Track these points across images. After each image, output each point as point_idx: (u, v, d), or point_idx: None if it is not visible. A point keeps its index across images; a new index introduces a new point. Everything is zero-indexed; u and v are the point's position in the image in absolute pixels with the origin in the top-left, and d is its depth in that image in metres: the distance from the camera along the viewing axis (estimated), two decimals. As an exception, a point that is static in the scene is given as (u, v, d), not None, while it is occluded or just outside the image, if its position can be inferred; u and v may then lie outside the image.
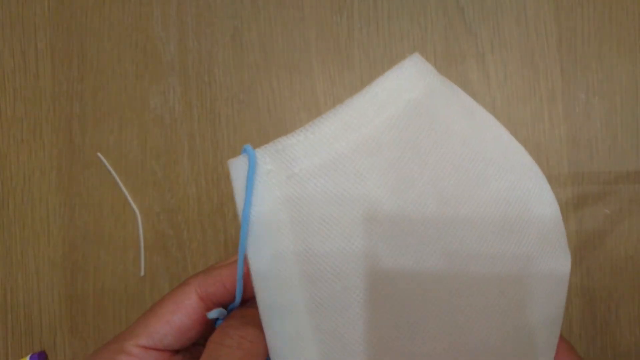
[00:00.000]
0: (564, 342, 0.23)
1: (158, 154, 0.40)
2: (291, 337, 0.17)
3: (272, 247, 0.17)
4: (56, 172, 0.41)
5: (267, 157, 0.17)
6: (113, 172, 0.40)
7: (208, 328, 0.20)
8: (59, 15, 0.41)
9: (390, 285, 0.18)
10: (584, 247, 0.36)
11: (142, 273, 0.40)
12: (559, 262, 0.21)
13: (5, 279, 0.41)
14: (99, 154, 0.40)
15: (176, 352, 0.20)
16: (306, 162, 0.17)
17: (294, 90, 0.39)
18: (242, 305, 0.20)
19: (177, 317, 0.19)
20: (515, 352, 0.21)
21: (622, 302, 0.36)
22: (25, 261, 0.41)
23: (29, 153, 0.41)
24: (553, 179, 0.37)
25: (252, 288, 0.18)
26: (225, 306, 0.20)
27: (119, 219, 0.40)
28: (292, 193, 0.17)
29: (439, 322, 0.19)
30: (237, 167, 0.17)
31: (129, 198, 0.40)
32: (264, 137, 0.39)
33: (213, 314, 0.19)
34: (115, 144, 0.40)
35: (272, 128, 0.39)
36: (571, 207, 0.36)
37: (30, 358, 0.39)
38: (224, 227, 0.39)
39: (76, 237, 0.40)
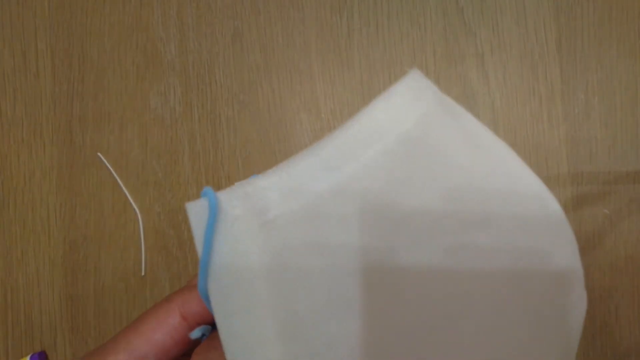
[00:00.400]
0: None
1: (159, 154, 0.40)
2: None
3: (244, 301, 0.15)
4: (57, 172, 0.41)
5: (235, 201, 0.15)
6: (113, 172, 0.40)
7: (192, 346, 0.20)
8: (59, 15, 0.41)
9: (386, 337, 0.16)
10: (583, 248, 0.36)
11: (143, 273, 0.40)
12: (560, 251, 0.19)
13: (5, 279, 0.41)
14: (100, 154, 0.40)
15: None
16: (282, 207, 0.15)
17: (294, 91, 0.39)
18: None
19: (158, 336, 0.19)
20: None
21: (622, 302, 0.36)
22: (26, 261, 0.41)
23: (30, 153, 0.41)
24: (552, 179, 0.37)
25: None
26: (210, 323, 0.19)
27: (120, 218, 0.40)
28: (266, 243, 0.15)
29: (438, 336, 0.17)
30: (197, 212, 0.15)
31: (130, 198, 0.40)
32: (264, 137, 0.39)
33: (195, 333, 0.18)
34: (116, 144, 0.40)
35: (272, 128, 0.39)
36: (570, 207, 0.36)
37: (31, 358, 0.39)
38: (224, 227, 0.39)
39: (77, 237, 0.40)
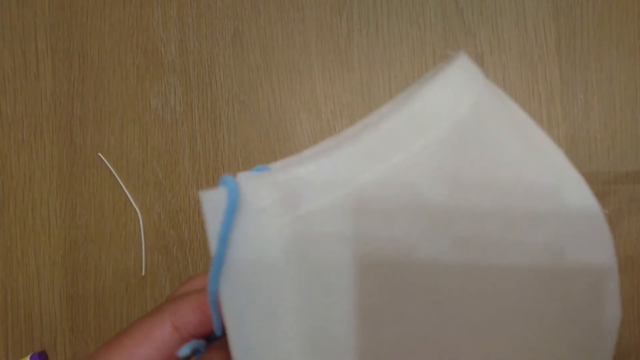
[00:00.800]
0: None
1: (159, 154, 0.40)
2: None
3: (264, 309, 0.13)
4: (57, 172, 0.41)
5: (262, 191, 0.12)
6: (114, 172, 0.40)
7: None
8: (59, 15, 0.41)
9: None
10: (583, 247, 0.36)
11: (143, 273, 0.40)
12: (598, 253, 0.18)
13: (5, 279, 0.41)
14: (100, 154, 0.40)
15: None
16: (317, 201, 0.13)
17: (294, 91, 0.39)
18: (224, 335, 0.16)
19: (143, 350, 0.16)
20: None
21: (621, 302, 0.36)
22: (26, 261, 0.41)
23: (30, 153, 0.41)
24: (552, 179, 0.37)
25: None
26: (205, 336, 0.17)
27: (120, 218, 0.40)
28: (297, 241, 0.13)
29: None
30: (213, 202, 0.12)
31: (130, 198, 0.40)
32: (264, 137, 0.39)
33: (184, 351, 0.16)
34: (116, 144, 0.40)
35: (272, 128, 0.39)
36: (570, 207, 0.36)
37: (31, 358, 0.39)
38: (225, 227, 0.39)
39: (77, 237, 0.40)
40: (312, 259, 0.13)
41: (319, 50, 0.39)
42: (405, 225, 0.14)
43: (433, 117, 0.14)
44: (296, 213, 0.13)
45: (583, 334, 0.17)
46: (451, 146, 0.14)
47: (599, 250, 0.18)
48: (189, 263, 0.39)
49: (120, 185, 0.40)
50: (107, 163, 0.40)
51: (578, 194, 0.18)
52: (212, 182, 0.39)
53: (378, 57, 0.38)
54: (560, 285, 0.17)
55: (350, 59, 0.39)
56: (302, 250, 0.13)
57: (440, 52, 0.38)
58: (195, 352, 0.17)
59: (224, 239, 0.12)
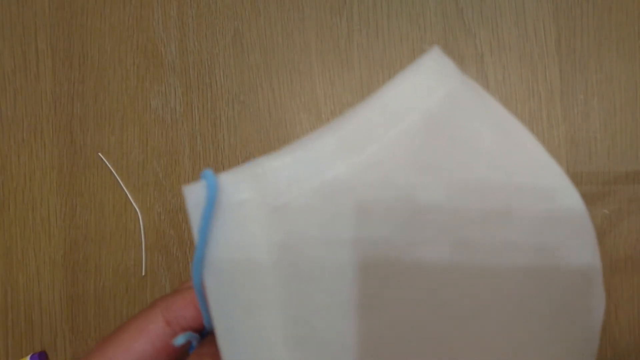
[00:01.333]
0: None
1: (159, 154, 0.40)
2: None
3: (248, 300, 0.13)
4: (57, 172, 0.41)
5: (241, 184, 0.13)
6: (114, 172, 0.40)
7: (176, 356, 0.18)
8: (59, 15, 0.41)
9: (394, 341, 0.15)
10: (583, 247, 0.36)
11: (144, 273, 0.40)
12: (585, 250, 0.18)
13: (5, 279, 0.41)
14: (100, 154, 0.40)
15: None
16: (295, 191, 0.13)
17: (294, 91, 0.39)
18: None
19: (138, 344, 0.17)
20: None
21: (621, 303, 0.36)
22: (26, 261, 0.41)
23: (30, 153, 0.41)
24: (552, 179, 0.37)
25: None
26: (197, 330, 0.18)
27: (120, 218, 0.40)
28: (276, 232, 0.13)
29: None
30: (195, 196, 0.13)
31: (130, 198, 0.40)
32: (264, 137, 0.39)
33: (180, 339, 0.16)
34: (117, 144, 0.40)
35: (272, 129, 0.39)
36: (570, 207, 0.36)
37: (31, 358, 0.39)
38: (225, 227, 0.39)
39: (77, 237, 0.40)
40: (291, 249, 0.13)
41: (319, 50, 0.39)
42: (381, 215, 0.14)
43: (405, 108, 0.14)
44: (274, 204, 0.13)
45: (572, 330, 0.17)
46: (424, 136, 0.14)
47: (582, 247, 0.18)
48: (189, 263, 0.39)
49: (121, 185, 0.40)
50: (107, 163, 0.40)
51: (559, 188, 0.18)
52: (212, 182, 0.39)
53: (378, 57, 0.38)
54: (547, 284, 0.17)
55: (350, 59, 0.39)
56: (281, 241, 0.13)
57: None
58: (190, 345, 0.17)
59: (204, 232, 0.12)
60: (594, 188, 0.36)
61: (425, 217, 0.15)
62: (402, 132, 0.14)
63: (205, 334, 0.17)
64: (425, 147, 0.14)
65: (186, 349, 0.18)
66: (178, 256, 0.40)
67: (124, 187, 0.40)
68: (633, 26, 0.36)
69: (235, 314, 0.13)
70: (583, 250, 0.18)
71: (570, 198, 0.18)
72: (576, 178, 0.36)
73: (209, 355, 0.16)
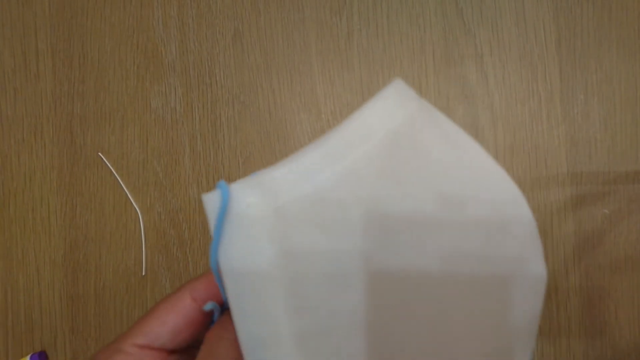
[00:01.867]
0: None
1: (159, 154, 0.40)
2: None
3: (255, 282, 0.16)
4: (57, 172, 0.41)
5: (248, 190, 0.16)
6: (114, 172, 0.40)
7: (202, 330, 0.21)
8: (59, 15, 0.41)
9: (382, 322, 0.18)
10: (583, 248, 0.36)
11: (144, 273, 0.40)
12: (537, 269, 0.21)
13: (6, 279, 0.41)
14: (100, 154, 0.40)
15: (171, 352, 0.21)
16: (290, 194, 0.17)
17: (294, 91, 0.39)
18: None
19: (171, 317, 0.20)
20: (494, 352, 0.21)
21: (621, 302, 0.36)
22: (26, 261, 0.41)
23: (30, 153, 0.41)
24: (552, 180, 0.37)
25: None
26: (220, 304, 0.21)
27: (120, 218, 0.40)
28: (276, 226, 0.16)
29: (427, 328, 0.20)
30: (212, 201, 0.16)
31: (130, 198, 0.40)
32: (264, 137, 0.39)
33: (208, 306, 0.20)
34: (117, 144, 0.40)
35: (272, 129, 0.39)
36: (570, 207, 0.36)
37: (31, 358, 0.39)
38: (225, 227, 0.39)
39: (77, 237, 0.40)
40: (290, 241, 0.16)
41: (319, 50, 0.39)
42: (354, 211, 0.17)
43: (372, 129, 0.18)
44: (274, 206, 0.16)
45: (513, 328, 0.21)
46: (388, 150, 0.18)
47: (530, 256, 0.21)
48: (189, 263, 0.39)
49: (121, 185, 0.40)
50: (107, 163, 0.40)
51: (509, 199, 0.21)
52: (213, 181, 0.39)
53: (378, 57, 0.38)
54: (491, 290, 0.20)
55: (350, 59, 0.39)
56: (282, 234, 0.16)
57: (440, 53, 0.38)
58: (212, 318, 0.21)
59: (219, 228, 0.16)
60: (594, 188, 0.36)
61: (390, 224, 0.18)
62: (371, 148, 0.18)
63: (225, 307, 0.21)
64: (389, 158, 0.18)
65: (210, 321, 0.21)
66: (178, 256, 0.40)
67: (124, 187, 0.40)
68: (633, 26, 0.36)
69: (245, 294, 0.16)
70: (530, 260, 0.21)
71: (519, 208, 0.21)
72: (576, 178, 0.36)
73: (229, 328, 0.19)
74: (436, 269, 0.19)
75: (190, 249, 0.39)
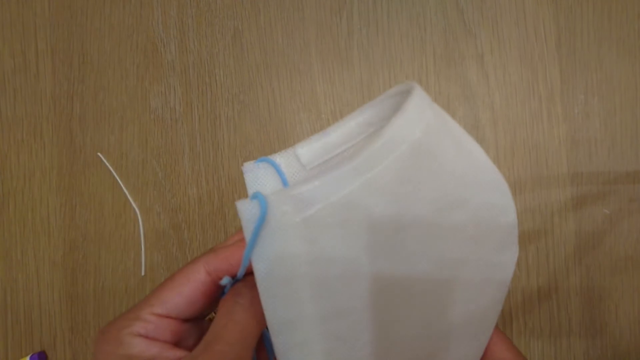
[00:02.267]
0: (498, 331, 0.27)
1: (159, 154, 0.40)
2: (297, 344, 0.20)
3: (286, 276, 0.19)
4: (57, 172, 0.41)
5: (283, 200, 0.19)
6: (114, 172, 0.40)
7: (214, 301, 0.23)
8: (59, 15, 0.41)
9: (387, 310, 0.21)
10: (583, 247, 0.36)
11: (143, 273, 0.40)
12: (506, 259, 0.25)
13: (5, 279, 0.41)
14: (100, 154, 0.40)
15: (185, 321, 0.22)
16: (321, 204, 0.19)
17: (294, 91, 0.39)
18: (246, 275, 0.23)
19: (187, 288, 0.21)
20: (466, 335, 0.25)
21: (622, 302, 0.36)
22: (26, 261, 0.41)
23: (30, 153, 0.41)
24: (552, 180, 0.37)
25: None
26: (232, 276, 0.23)
27: (120, 218, 0.40)
28: (306, 232, 0.19)
29: (417, 317, 0.23)
30: (248, 210, 0.18)
31: (130, 198, 0.40)
32: (264, 137, 0.39)
33: (225, 280, 0.21)
34: (116, 144, 0.40)
35: (272, 128, 0.39)
36: (570, 207, 0.36)
37: (31, 358, 0.39)
38: (224, 226, 0.39)
39: (77, 237, 0.40)
40: (319, 244, 0.19)
41: (319, 50, 0.39)
42: (380, 211, 0.20)
43: (396, 142, 0.20)
44: (307, 214, 0.19)
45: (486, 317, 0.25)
46: (409, 159, 0.21)
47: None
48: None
49: (120, 185, 0.40)
50: (106, 163, 0.40)
51: (501, 205, 0.24)
52: (212, 182, 0.39)
53: (378, 56, 0.38)
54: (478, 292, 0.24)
55: (350, 59, 0.39)
56: (312, 238, 0.19)
57: (441, 52, 0.38)
58: (223, 291, 0.22)
59: (256, 233, 0.18)
60: (594, 188, 0.36)
61: (409, 231, 0.21)
62: (394, 159, 0.20)
63: (235, 280, 0.22)
64: (410, 167, 0.21)
65: (221, 292, 0.23)
66: (177, 256, 0.40)
67: (124, 187, 0.40)
68: (633, 26, 0.36)
69: (277, 286, 0.19)
70: (509, 266, 0.25)
71: (510, 215, 0.24)
72: (577, 178, 0.36)
73: (247, 287, 0.21)
74: (432, 267, 0.22)
75: (190, 249, 0.39)
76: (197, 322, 0.24)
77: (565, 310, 0.36)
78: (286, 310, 0.19)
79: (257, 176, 0.23)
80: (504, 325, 0.37)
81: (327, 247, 0.19)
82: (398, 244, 0.21)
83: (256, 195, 0.18)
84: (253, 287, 0.20)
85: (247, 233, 0.18)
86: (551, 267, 0.36)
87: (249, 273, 0.21)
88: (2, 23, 0.42)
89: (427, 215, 0.22)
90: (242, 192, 0.39)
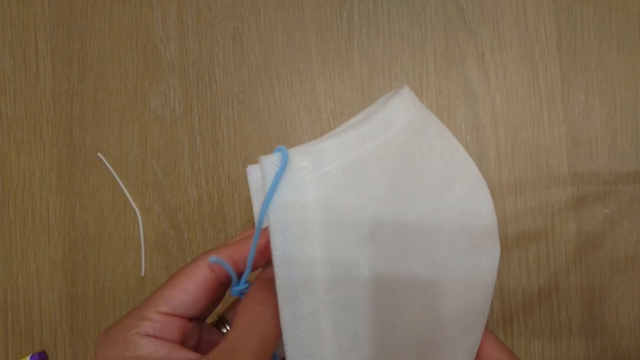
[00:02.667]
0: (489, 333, 0.27)
1: (158, 154, 0.40)
2: (307, 313, 0.20)
3: (300, 231, 0.20)
4: (56, 172, 0.41)
5: (301, 156, 0.20)
6: (113, 172, 0.40)
7: (218, 298, 0.23)
8: (59, 15, 0.41)
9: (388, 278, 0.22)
10: (583, 248, 0.36)
11: (143, 273, 0.40)
12: (491, 258, 0.27)
13: (5, 279, 0.41)
14: (100, 154, 0.40)
15: (189, 320, 0.22)
16: (335, 162, 0.21)
17: (294, 91, 0.39)
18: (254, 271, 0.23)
19: (190, 285, 0.22)
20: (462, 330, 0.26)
21: (622, 302, 0.36)
22: (26, 261, 0.41)
23: (30, 153, 0.41)
24: (553, 180, 0.37)
25: (258, 264, 0.22)
26: (239, 273, 0.23)
27: (120, 219, 0.40)
28: (322, 188, 0.20)
29: (416, 311, 0.24)
30: (269, 162, 0.20)
31: (130, 198, 0.40)
32: (264, 137, 0.39)
33: (213, 259, 0.22)
34: (116, 144, 0.40)
35: (272, 128, 0.39)
36: (571, 207, 0.36)
37: (31, 358, 0.40)
38: (224, 227, 0.39)
39: (76, 237, 0.40)
40: (332, 200, 0.21)
41: (319, 50, 0.39)
42: (381, 182, 0.22)
43: (393, 121, 0.24)
44: (322, 171, 0.20)
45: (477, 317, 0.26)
46: (406, 135, 0.24)
47: (489, 254, 0.26)
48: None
49: (120, 185, 0.40)
50: (106, 163, 0.40)
51: (483, 209, 0.26)
52: (212, 181, 0.39)
53: (378, 56, 0.38)
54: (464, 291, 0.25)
55: (350, 59, 0.39)
56: (326, 194, 0.20)
57: (441, 52, 0.38)
58: (228, 287, 0.23)
59: (275, 185, 0.19)
60: (594, 188, 0.36)
61: (406, 181, 0.23)
62: (395, 132, 0.23)
63: (242, 277, 0.23)
64: (408, 141, 0.24)
65: (225, 289, 0.23)
66: (177, 256, 0.39)
67: (123, 187, 0.40)
68: (633, 26, 0.36)
69: (291, 241, 0.20)
70: (493, 269, 0.27)
71: (490, 217, 0.26)
72: (577, 178, 0.36)
73: (267, 290, 0.21)
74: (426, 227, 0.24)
75: (190, 249, 0.39)
76: (198, 322, 0.23)
77: (566, 310, 0.36)
78: (297, 269, 0.20)
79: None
80: (504, 325, 0.37)
81: (339, 203, 0.21)
82: (401, 200, 0.23)
83: (279, 149, 0.20)
84: (275, 298, 0.20)
85: (267, 182, 0.20)
86: (551, 267, 0.36)
87: (253, 269, 0.22)
88: (2, 23, 0.42)
89: (419, 193, 0.24)
90: (242, 192, 0.39)
